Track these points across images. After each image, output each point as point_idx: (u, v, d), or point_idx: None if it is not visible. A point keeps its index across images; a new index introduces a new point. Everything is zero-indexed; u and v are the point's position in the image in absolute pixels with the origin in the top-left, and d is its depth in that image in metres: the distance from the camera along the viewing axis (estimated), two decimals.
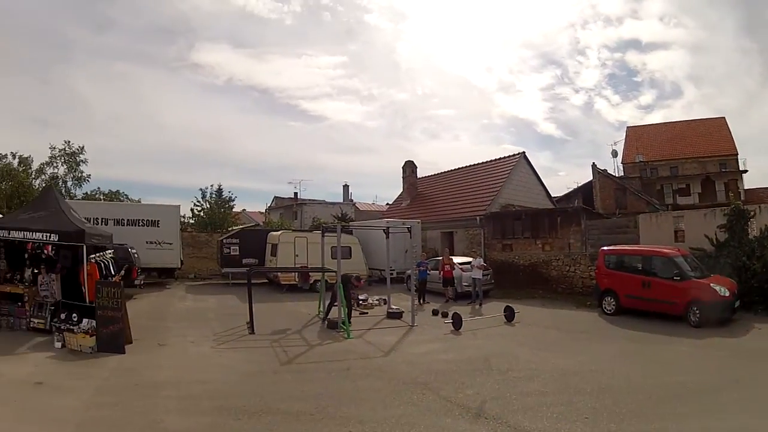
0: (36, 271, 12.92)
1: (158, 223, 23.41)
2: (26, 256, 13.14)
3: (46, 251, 12.80)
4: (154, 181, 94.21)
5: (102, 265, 12.80)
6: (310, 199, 47.37)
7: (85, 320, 11.08)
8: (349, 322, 13.53)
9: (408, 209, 33.60)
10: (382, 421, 6.75)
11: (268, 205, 54.39)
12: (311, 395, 8.04)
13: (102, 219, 22.04)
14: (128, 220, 23.12)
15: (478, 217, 26.21)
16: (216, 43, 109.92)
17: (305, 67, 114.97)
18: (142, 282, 19.97)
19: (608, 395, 7.64)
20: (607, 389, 7.97)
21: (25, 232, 11.82)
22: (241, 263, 23.28)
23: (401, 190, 36.52)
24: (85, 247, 11.91)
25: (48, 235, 11.79)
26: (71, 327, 11.01)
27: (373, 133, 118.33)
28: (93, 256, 12.54)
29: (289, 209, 47.46)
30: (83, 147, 32.97)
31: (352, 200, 50.03)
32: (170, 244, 23.55)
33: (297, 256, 21.76)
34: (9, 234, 11.88)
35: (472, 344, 12.05)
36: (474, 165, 33.31)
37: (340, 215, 36.45)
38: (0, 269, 13.06)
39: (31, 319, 12.10)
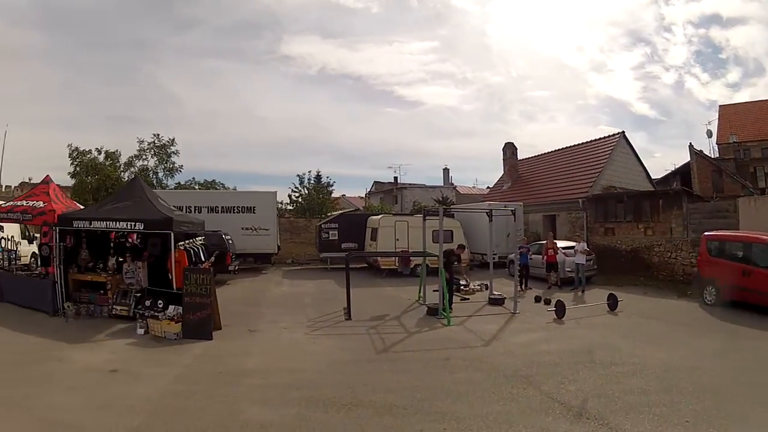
0: (121, 259, 12.82)
1: (254, 210, 23.38)
2: (111, 245, 13.06)
3: (130, 240, 12.57)
4: (250, 170, 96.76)
5: (191, 251, 12.44)
6: (410, 183, 46.06)
7: (171, 307, 10.75)
8: (450, 309, 12.57)
9: (509, 192, 32.09)
10: (480, 419, 6.25)
11: (368, 190, 53.88)
12: (406, 387, 7.39)
13: (195, 207, 22.29)
14: (223, 207, 23.30)
15: (580, 200, 24.80)
16: (305, 35, 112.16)
17: (398, 53, 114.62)
18: (236, 267, 19.90)
19: (709, 396, 7.09)
20: (708, 389, 7.40)
21: (108, 222, 11.71)
22: (340, 248, 22.91)
23: (501, 173, 35.19)
24: (172, 234, 11.54)
25: (132, 224, 11.60)
26: (156, 314, 10.69)
27: (471, 117, 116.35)
28: (182, 243, 12.21)
29: (390, 194, 46.52)
30: (173, 139, 33.17)
31: (452, 184, 48.18)
32: (266, 230, 23.46)
33: (398, 240, 21.21)
34: (90, 225, 11.82)
35: (576, 334, 11.24)
36: (574, 146, 31.40)
37: (440, 199, 35.38)
38: (82, 258, 13.01)
39: (114, 307, 11.97)
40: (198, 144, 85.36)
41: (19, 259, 17.86)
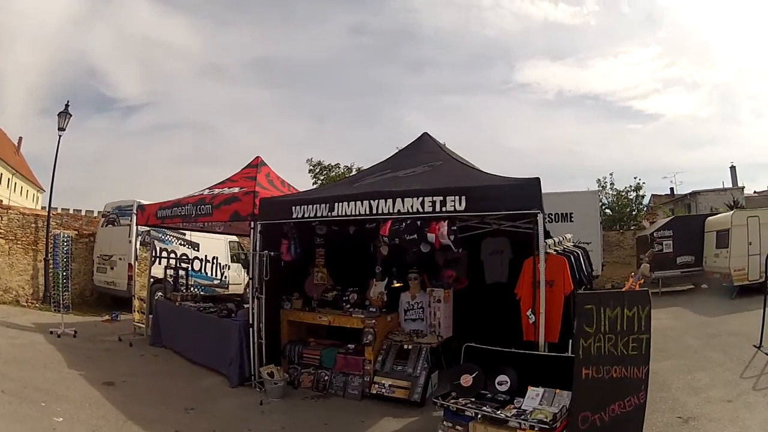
0: (398, 282, 7.57)
1: (571, 217, 18.40)
2: (373, 251, 7.62)
3: (436, 237, 6.16)
4: None
5: (571, 258, 6.35)
6: (703, 189, 39.94)
7: (533, 392, 4.92)
8: None
9: None
10: None
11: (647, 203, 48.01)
12: None
13: None
14: None
15: None
16: (535, 59, 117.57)
17: (626, 65, 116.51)
18: None
19: None
20: None
21: (376, 201, 6.08)
22: (674, 263, 18.68)
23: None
24: (540, 218, 5.37)
25: (438, 200, 5.70)
26: (486, 407, 4.90)
27: (707, 123, 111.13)
28: (549, 241, 6.13)
29: (681, 202, 40.77)
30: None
31: (742, 186, 40.74)
32: (588, 243, 17.67)
33: (750, 244, 16.68)
34: (333, 210, 6.40)
35: None
36: None
37: (732, 203, 29.59)
38: (315, 283, 7.96)
39: (376, 380, 6.48)
40: None
41: (227, 288, 15.10)
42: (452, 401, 5.12)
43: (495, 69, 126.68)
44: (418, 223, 5.76)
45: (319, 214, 6.50)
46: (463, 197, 5.58)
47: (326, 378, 6.76)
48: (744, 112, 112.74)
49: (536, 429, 4.46)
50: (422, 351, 6.43)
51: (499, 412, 4.78)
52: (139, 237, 11.68)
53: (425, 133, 8.28)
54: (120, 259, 13.32)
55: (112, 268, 13.63)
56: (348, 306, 7.25)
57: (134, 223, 12.15)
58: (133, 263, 12.36)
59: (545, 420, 4.50)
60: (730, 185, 37.19)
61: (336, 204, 6.34)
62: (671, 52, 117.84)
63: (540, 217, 5.38)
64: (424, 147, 7.93)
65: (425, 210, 5.74)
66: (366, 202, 6.10)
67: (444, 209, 5.65)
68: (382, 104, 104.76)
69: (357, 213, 6.19)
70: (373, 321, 6.64)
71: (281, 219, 6.92)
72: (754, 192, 39.20)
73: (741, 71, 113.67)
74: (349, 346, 6.91)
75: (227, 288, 15.18)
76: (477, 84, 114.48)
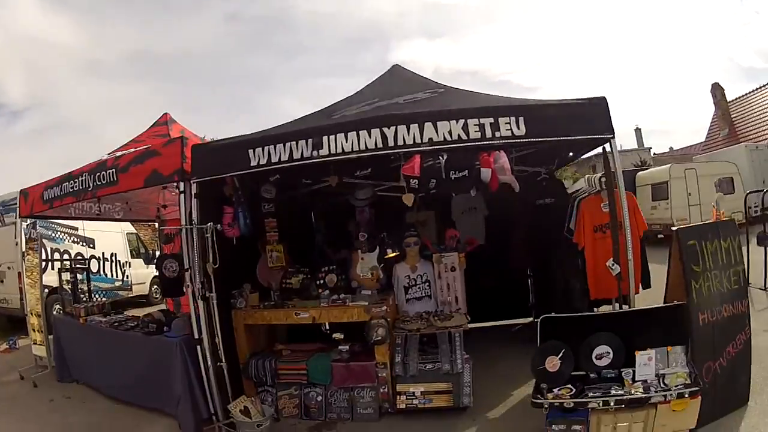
0: (393, 252, 6.01)
1: None
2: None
3: (492, 173, 4.23)
4: None
5: None
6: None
7: (643, 357, 4.01)
8: None
9: (729, 140, 26.29)
10: None
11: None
12: None
13: None
14: None
15: None
16: (410, 40, 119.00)
17: (504, 41, 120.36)
18: None
19: None
20: None
21: (370, 132, 4.33)
22: None
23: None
24: (615, 146, 4.61)
25: (485, 122, 4.23)
26: (613, 390, 3.82)
27: (588, 94, 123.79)
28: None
29: (587, 163, 40.94)
30: None
31: (649, 147, 42.70)
32: None
33: (689, 195, 17.26)
34: (312, 151, 4.44)
35: None
36: None
37: (639, 163, 30.50)
38: (271, 268, 6.00)
39: (400, 390, 4.84)
40: None
41: (130, 289, 13.18)
42: (552, 397, 3.76)
43: (370, 51, 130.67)
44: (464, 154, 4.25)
45: (297, 156, 4.44)
46: (521, 118, 4.17)
47: (319, 398, 4.96)
48: (629, 81, 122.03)
49: (687, 395, 3.74)
50: (454, 338, 4.86)
51: (633, 392, 3.76)
52: (25, 234, 9.06)
53: (397, 65, 6.67)
54: (9, 268, 10.61)
55: (1, 281, 10.96)
56: (327, 292, 5.29)
57: (20, 219, 9.46)
58: (22, 271, 9.43)
59: (687, 382, 3.83)
60: (635, 146, 39.22)
61: (324, 138, 4.38)
62: (552, 28, 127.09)
63: (614, 143, 4.43)
64: (404, 76, 6.30)
65: (471, 137, 4.16)
66: (376, 131, 4.26)
67: (497, 135, 4.15)
68: (258, 91, 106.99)
69: (361, 148, 4.30)
70: (384, 308, 4.85)
71: (231, 171, 4.82)
72: (654, 154, 41.43)
73: (625, 42, 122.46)
74: (341, 348, 5.03)
75: (131, 290, 13.12)
76: (351, 66, 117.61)
